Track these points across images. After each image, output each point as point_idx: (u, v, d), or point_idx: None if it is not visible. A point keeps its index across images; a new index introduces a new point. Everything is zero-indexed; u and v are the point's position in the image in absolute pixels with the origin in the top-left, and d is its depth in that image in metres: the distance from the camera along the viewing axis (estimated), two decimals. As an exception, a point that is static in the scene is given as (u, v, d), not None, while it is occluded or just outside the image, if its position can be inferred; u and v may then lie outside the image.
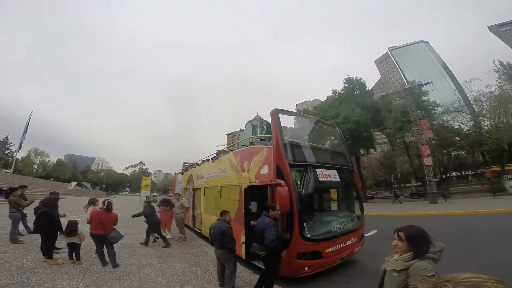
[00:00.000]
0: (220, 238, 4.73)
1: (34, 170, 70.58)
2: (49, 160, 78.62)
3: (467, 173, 55.59)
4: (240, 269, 5.85)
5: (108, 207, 6.08)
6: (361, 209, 6.99)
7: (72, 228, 5.84)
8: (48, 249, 5.89)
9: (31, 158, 71.58)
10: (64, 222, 6.03)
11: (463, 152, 40.95)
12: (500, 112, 26.81)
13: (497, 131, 26.11)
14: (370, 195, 39.94)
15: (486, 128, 29.38)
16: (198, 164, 12.42)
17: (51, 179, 65.48)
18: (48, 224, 5.79)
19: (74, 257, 5.89)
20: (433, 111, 28.88)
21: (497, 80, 29.63)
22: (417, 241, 2.03)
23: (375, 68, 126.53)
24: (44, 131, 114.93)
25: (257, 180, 6.11)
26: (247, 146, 7.61)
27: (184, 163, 20.00)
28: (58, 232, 5.95)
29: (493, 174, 26.08)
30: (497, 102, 26.89)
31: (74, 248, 5.89)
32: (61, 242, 6.08)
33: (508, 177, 24.38)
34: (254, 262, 6.08)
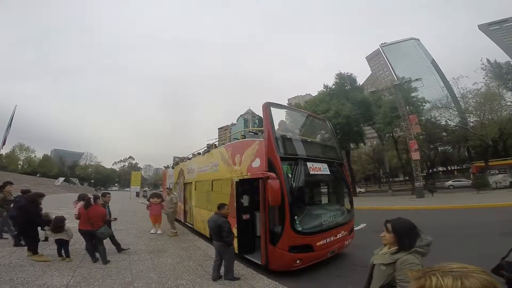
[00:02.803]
0: (217, 231, 4.83)
1: (19, 166, 68.59)
2: (35, 156, 76.56)
3: (453, 168, 57.16)
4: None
5: (86, 203, 5.93)
6: (351, 202, 7.09)
7: (59, 224, 5.71)
8: (30, 244, 5.78)
9: (16, 154, 69.46)
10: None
11: (450, 148, 41.99)
12: (485, 109, 27.48)
13: (482, 127, 26.81)
14: (358, 191, 39.61)
15: (472, 124, 30.10)
16: (189, 158, 12.32)
17: (37, 175, 63.88)
18: (23, 219, 5.68)
19: (63, 253, 5.78)
20: (422, 107, 29.44)
21: (483, 78, 30.36)
22: (403, 233, 2.04)
23: (366, 64, 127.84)
24: (30, 127, 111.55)
25: (249, 173, 6.11)
26: (238, 139, 7.57)
27: (175, 157, 19.77)
28: (41, 228, 5.82)
29: (477, 170, 26.80)
30: (483, 99, 27.55)
31: (62, 245, 5.78)
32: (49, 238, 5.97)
33: (491, 172, 25.15)
34: (247, 256, 6.12)
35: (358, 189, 37.76)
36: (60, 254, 5.77)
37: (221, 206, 5.18)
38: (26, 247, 5.89)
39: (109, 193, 7.61)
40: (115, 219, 7.37)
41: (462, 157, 46.23)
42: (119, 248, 6.69)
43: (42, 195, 6.41)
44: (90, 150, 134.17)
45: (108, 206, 7.24)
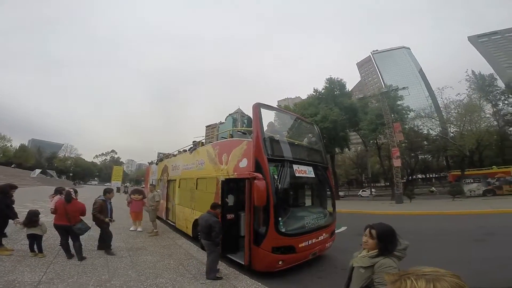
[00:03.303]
0: (207, 231, 4.84)
1: (-8, 155, 65.20)
2: (11, 145, 72.93)
3: (431, 175, 59.34)
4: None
5: (67, 197, 5.72)
6: (333, 205, 7.19)
7: (33, 219, 5.43)
8: None
9: (-11, 142, 65.99)
10: (24, 213, 5.63)
11: (429, 156, 43.58)
12: (465, 120, 28.65)
13: (461, 138, 27.93)
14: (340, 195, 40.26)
15: (452, 134, 31.31)
16: (174, 155, 12.12)
17: (12, 166, 60.83)
18: None
19: (35, 249, 5.52)
20: (406, 116, 30.40)
21: (467, 89, 31.64)
22: (387, 240, 2.08)
23: (356, 70, 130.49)
24: (6, 115, 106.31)
25: (235, 173, 6.08)
26: (226, 138, 7.52)
27: (159, 153, 19.36)
28: (11, 221, 5.55)
29: (454, 178, 27.87)
30: (464, 110, 28.71)
31: (35, 240, 5.51)
32: (21, 232, 5.69)
33: (467, 181, 26.27)
34: (230, 256, 6.08)
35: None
36: (32, 250, 5.50)
37: (216, 206, 5.19)
38: None
39: (112, 189, 7.18)
40: (113, 220, 6.69)
41: (441, 166, 48.14)
42: (107, 250, 6.25)
43: (14, 187, 6.11)
44: (70, 142, 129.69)
45: (111, 203, 6.92)
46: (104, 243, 6.34)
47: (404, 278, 0.92)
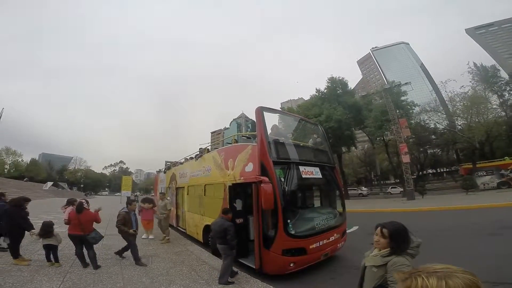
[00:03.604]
0: (222, 235, 4.96)
1: (5, 170, 66.68)
2: (22, 160, 74.69)
3: (442, 170, 58.32)
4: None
5: (78, 208, 5.83)
6: (343, 205, 7.16)
7: (47, 229, 5.60)
8: (12, 249, 5.68)
9: (2, 157, 67.57)
10: (39, 224, 5.78)
11: (438, 150, 42.93)
12: (472, 112, 28.21)
13: (469, 130, 27.49)
14: (359, 192, 37.76)
15: (459, 127, 30.82)
16: (181, 163, 12.25)
17: (25, 179, 62.13)
18: (9, 224, 5.58)
19: (52, 259, 5.67)
20: (411, 111, 30.10)
21: (470, 81, 31.26)
22: (399, 239, 2.06)
23: (357, 68, 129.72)
24: (18, 129, 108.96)
25: (242, 178, 6.13)
26: (231, 144, 7.59)
27: (166, 161, 19.56)
28: (28, 232, 5.69)
29: (465, 171, 27.34)
30: (470, 102, 28.29)
31: (51, 250, 5.67)
32: (37, 243, 5.84)
33: (479, 174, 25.73)
34: (241, 260, 6.11)
35: (359, 191, 37.93)
36: (49, 260, 5.66)
37: (227, 211, 5.32)
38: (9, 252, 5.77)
39: (134, 200, 7.16)
40: (135, 231, 6.45)
41: (451, 160, 47.29)
42: (137, 261, 6.15)
43: (27, 200, 6.29)
44: (79, 155, 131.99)
45: (135, 214, 6.88)
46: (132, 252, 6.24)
47: (414, 276, 0.91)
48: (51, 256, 5.68)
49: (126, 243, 6.43)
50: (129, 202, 6.84)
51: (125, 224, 6.21)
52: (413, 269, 0.97)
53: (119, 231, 6.29)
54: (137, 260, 6.17)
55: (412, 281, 0.90)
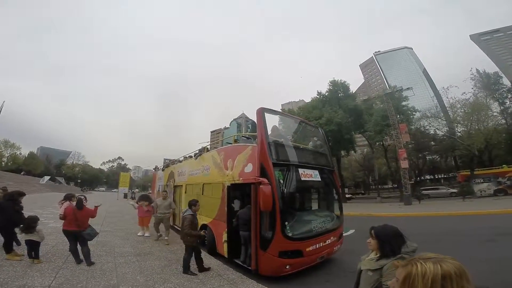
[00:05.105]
0: (248, 222, 5.51)
1: (3, 163, 66.44)
2: (20, 153, 74.25)
3: (439, 176, 58.40)
4: (222, 267, 5.86)
5: (78, 204, 5.78)
6: (341, 209, 7.14)
7: (30, 224, 5.42)
8: (5, 244, 5.62)
9: (0, 150, 67.32)
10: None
11: (437, 157, 43.01)
12: (472, 119, 28.28)
13: (469, 138, 27.55)
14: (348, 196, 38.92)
15: (459, 134, 30.93)
16: (179, 161, 12.21)
17: (22, 173, 61.91)
18: (2, 218, 5.52)
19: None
20: (412, 116, 30.10)
21: (472, 88, 31.30)
22: (385, 240, 2.08)
23: (359, 72, 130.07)
24: (16, 123, 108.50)
25: (241, 178, 6.10)
26: (231, 143, 7.56)
27: (165, 159, 19.51)
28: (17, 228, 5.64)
29: (463, 178, 27.37)
30: (471, 109, 28.35)
31: (32, 246, 5.44)
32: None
33: (477, 181, 25.78)
34: (237, 260, 6.08)
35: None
36: (30, 256, 5.44)
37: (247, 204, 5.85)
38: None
39: (197, 201, 6.00)
40: (205, 232, 6.10)
41: (449, 166, 47.36)
42: (200, 267, 5.58)
43: (22, 194, 6.24)
44: (78, 149, 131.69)
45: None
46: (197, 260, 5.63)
47: (413, 262, 1.08)
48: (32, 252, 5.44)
49: (194, 253, 5.59)
50: (193, 203, 5.84)
51: (193, 229, 5.53)
52: (410, 258, 1.14)
53: (182, 237, 5.63)
54: (186, 269, 5.44)
55: (413, 266, 1.06)
